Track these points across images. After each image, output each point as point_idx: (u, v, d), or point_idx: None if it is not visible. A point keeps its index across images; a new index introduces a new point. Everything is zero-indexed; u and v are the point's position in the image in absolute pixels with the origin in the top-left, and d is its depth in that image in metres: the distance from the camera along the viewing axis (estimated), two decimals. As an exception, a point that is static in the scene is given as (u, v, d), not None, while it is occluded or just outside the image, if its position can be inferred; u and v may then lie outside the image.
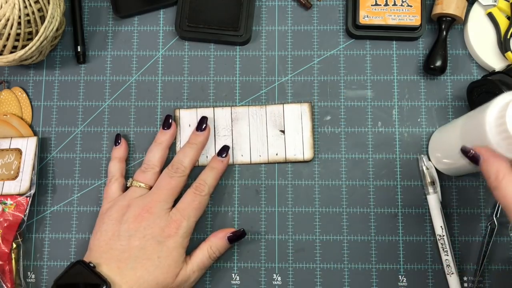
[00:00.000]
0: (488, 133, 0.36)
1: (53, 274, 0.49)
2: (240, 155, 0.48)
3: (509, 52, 0.48)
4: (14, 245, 0.48)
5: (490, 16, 0.50)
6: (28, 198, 0.48)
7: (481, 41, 0.50)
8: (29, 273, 0.49)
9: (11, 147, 0.49)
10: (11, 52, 0.46)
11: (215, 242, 0.45)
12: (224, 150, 0.47)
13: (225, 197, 0.50)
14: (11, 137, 0.50)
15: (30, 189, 0.48)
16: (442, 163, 0.47)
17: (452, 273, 0.46)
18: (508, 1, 0.49)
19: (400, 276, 0.48)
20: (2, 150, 0.49)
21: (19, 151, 0.49)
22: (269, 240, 0.49)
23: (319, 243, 0.48)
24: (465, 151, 0.37)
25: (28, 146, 0.49)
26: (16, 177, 0.48)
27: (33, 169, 0.49)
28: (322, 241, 0.48)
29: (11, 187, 0.48)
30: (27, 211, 0.48)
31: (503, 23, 0.49)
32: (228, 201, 0.49)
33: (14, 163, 0.49)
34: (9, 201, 0.48)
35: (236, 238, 0.46)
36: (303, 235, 0.49)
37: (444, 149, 0.46)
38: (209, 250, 0.45)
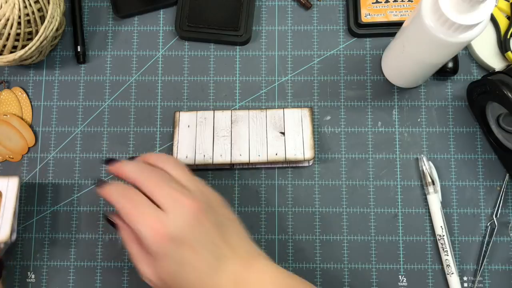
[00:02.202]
0: (425, 18, 0.37)
1: (53, 274, 0.49)
2: (239, 155, 0.48)
3: (509, 52, 0.48)
4: None
5: (490, 16, 0.50)
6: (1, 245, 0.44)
7: (481, 41, 0.50)
8: (29, 273, 0.49)
9: None
10: (11, 52, 0.46)
11: None
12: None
13: (225, 197, 0.49)
14: None
15: (10, 237, 0.44)
16: (395, 75, 0.49)
17: (452, 273, 0.46)
18: (508, 1, 0.49)
19: (400, 276, 0.48)
20: None
21: None
22: (269, 240, 0.49)
23: (319, 243, 0.48)
24: (107, 219, 0.41)
25: (9, 188, 0.45)
26: None
27: (14, 214, 0.44)
28: (322, 241, 0.48)
29: None
30: None
31: (503, 23, 0.49)
32: (228, 201, 0.49)
33: None
34: None
35: None
36: (303, 235, 0.49)
37: (392, 61, 0.48)
38: None
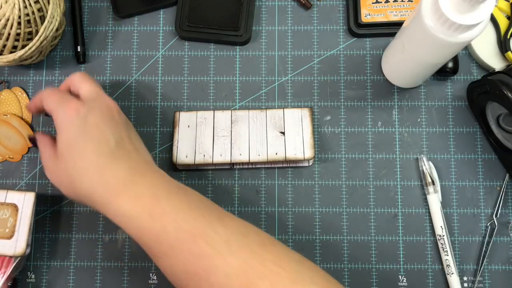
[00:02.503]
0: (425, 18, 0.37)
1: (53, 274, 0.49)
2: (239, 154, 0.48)
3: (509, 52, 0.48)
4: None
5: (490, 16, 0.50)
6: (13, 259, 0.45)
7: (481, 41, 0.50)
8: (29, 273, 0.49)
9: (6, 201, 0.46)
10: (11, 52, 0.46)
11: None
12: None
13: (225, 197, 0.50)
14: (7, 190, 0.47)
15: (25, 251, 0.45)
16: (395, 75, 0.49)
17: (452, 273, 0.46)
18: (508, 1, 0.49)
19: (400, 276, 0.48)
20: None
21: (15, 207, 0.46)
22: (269, 240, 0.49)
23: (319, 243, 0.48)
24: (30, 139, 0.45)
25: (25, 203, 0.46)
26: (12, 236, 0.45)
27: (30, 228, 0.46)
28: (322, 241, 0.48)
29: (5, 247, 0.45)
30: (8, 271, 0.45)
31: (503, 23, 0.49)
32: (228, 201, 0.49)
33: (10, 220, 0.45)
34: None
35: None
36: (303, 235, 0.49)
37: (392, 61, 0.48)
38: None
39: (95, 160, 0.38)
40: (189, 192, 0.40)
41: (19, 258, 0.45)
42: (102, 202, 0.38)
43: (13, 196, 0.46)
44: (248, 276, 0.34)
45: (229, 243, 0.35)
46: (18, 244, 0.45)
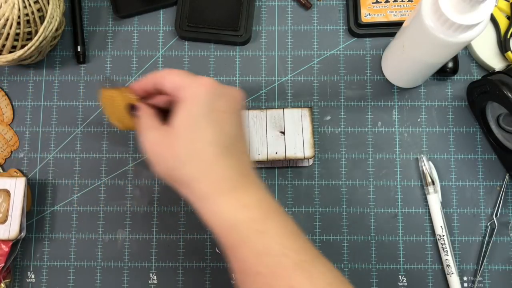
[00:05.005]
0: (425, 18, 0.37)
1: (53, 274, 0.49)
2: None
3: (509, 52, 0.48)
4: (3, 286, 0.47)
5: (490, 16, 0.50)
6: (9, 242, 0.46)
7: (481, 41, 0.50)
8: (29, 273, 0.49)
9: None
10: (10, 52, 0.46)
11: None
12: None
13: (225, 197, 0.49)
14: None
15: (19, 233, 0.46)
16: (395, 75, 0.49)
17: (452, 273, 0.46)
18: (508, 1, 0.49)
19: (400, 276, 0.48)
20: None
21: (7, 192, 0.46)
22: (269, 240, 0.49)
23: (319, 243, 0.48)
24: (130, 106, 0.40)
25: (17, 187, 0.47)
26: (5, 221, 0.46)
27: (22, 212, 0.46)
28: (322, 241, 0.48)
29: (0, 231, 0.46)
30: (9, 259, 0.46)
31: (503, 23, 0.49)
32: (228, 201, 0.49)
33: (2, 206, 0.46)
34: None
35: None
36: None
37: (392, 61, 0.48)
38: None
39: (209, 150, 0.34)
40: (287, 216, 0.36)
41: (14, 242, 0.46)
42: (201, 195, 0.34)
43: (5, 182, 0.47)
44: None
45: (330, 286, 0.33)
46: (11, 228, 0.46)
